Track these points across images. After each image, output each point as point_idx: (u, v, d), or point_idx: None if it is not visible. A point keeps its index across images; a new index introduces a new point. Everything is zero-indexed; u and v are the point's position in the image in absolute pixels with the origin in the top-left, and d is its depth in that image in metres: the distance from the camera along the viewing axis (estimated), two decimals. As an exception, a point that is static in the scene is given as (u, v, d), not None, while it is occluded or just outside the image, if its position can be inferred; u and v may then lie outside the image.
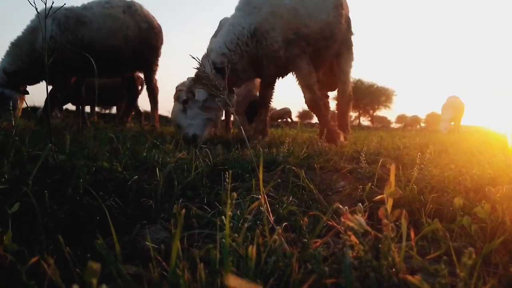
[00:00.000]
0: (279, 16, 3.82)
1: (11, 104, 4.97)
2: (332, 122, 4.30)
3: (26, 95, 5.40)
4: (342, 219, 0.67)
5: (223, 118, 5.77)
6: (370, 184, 1.56)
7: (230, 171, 0.92)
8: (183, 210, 0.67)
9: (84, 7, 5.28)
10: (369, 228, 0.69)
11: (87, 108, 12.50)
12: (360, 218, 0.65)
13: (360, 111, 44.16)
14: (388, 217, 0.66)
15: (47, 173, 1.56)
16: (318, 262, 0.64)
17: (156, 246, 0.90)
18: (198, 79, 3.86)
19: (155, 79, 5.97)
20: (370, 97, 42.18)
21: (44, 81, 5.44)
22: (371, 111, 44.57)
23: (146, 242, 0.98)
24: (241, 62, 3.89)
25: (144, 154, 2.15)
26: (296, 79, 4.07)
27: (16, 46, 5.04)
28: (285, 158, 2.45)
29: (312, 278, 0.60)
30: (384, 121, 53.18)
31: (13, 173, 1.48)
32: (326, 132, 3.99)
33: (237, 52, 3.84)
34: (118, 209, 1.31)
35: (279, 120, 21.66)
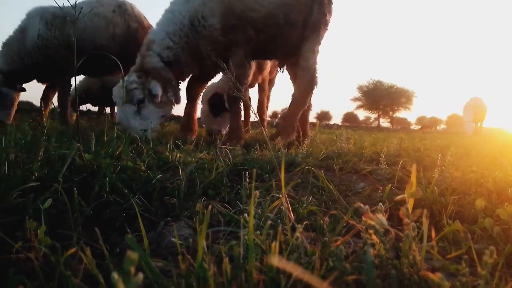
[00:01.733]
0: (219, 0, 3.50)
1: (9, 101, 5.21)
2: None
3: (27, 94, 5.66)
4: (363, 218, 0.68)
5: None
6: (390, 185, 1.56)
7: (254, 170, 0.94)
8: (209, 207, 0.70)
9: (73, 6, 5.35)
10: (389, 227, 0.70)
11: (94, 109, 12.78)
12: (381, 217, 0.67)
13: (379, 113, 43.67)
14: (409, 217, 0.67)
15: (74, 172, 1.62)
16: (340, 259, 0.66)
17: (181, 242, 0.93)
18: (148, 73, 3.55)
19: None
20: (389, 98, 41.65)
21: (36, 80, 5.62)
22: (390, 113, 44.00)
23: (172, 238, 1.02)
24: (183, 55, 3.63)
25: (167, 153, 2.20)
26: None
27: (7, 46, 5.24)
28: (304, 159, 2.46)
29: (334, 275, 0.62)
30: (403, 123, 52.49)
31: (42, 171, 1.54)
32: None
33: (180, 45, 3.58)
34: (142, 207, 1.35)
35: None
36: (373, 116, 46.56)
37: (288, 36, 3.83)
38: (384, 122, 44.57)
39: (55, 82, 5.68)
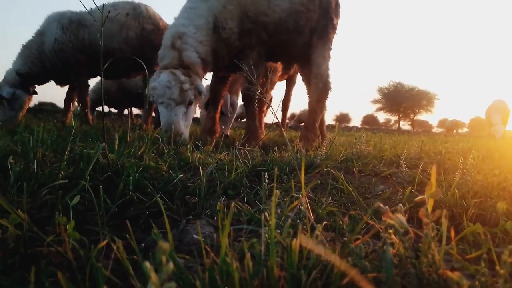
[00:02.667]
0: (236, 3, 3.48)
1: (19, 105, 5.45)
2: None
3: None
4: (383, 218, 0.69)
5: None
6: (410, 188, 1.56)
7: (276, 168, 0.96)
8: (233, 204, 0.72)
9: (91, 11, 5.51)
10: (409, 228, 0.71)
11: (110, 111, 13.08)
12: (401, 217, 0.68)
13: (400, 115, 43.08)
14: (428, 217, 0.68)
15: (99, 171, 1.68)
16: (360, 257, 0.67)
17: (204, 240, 0.96)
18: (190, 69, 3.36)
19: None
20: (410, 100, 41.06)
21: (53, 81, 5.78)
22: (411, 115, 43.33)
23: (194, 235, 1.05)
24: (209, 54, 3.54)
25: (188, 154, 2.24)
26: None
27: (27, 49, 5.47)
28: (323, 161, 2.46)
29: (354, 272, 0.63)
30: (425, 126, 51.64)
31: (68, 170, 1.60)
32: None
33: (207, 43, 3.48)
34: (164, 206, 1.39)
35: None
36: (394, 118, 46.00)
37: (296, 42, 3.87)
38: (405, 125, 43.96)
39: (74, 84, 5.86)
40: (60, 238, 0.93)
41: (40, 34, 5.46)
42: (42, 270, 0.79)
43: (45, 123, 4.29)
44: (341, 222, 1.02)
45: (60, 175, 1.50)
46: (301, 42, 3.92)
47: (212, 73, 4.08)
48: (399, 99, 40.91)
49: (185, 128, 3.31)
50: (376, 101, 44.31)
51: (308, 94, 4.15)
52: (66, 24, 5.33)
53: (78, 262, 0.88)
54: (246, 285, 0.64)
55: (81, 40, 5.35)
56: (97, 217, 1.14)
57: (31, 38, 5.51)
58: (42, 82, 5.77)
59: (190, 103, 3.32)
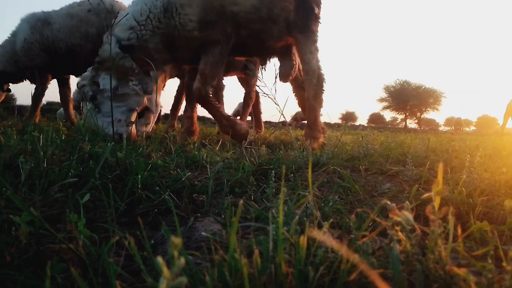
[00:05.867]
0: None
1: None
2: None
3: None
4: (390, 215, 0.70)
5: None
6: (417, 186, 1.55)
7: (284, 166, 0.97)
8: (241, 201, 0.73)
9: (60, 9, 5.69)
10: (416, 225, 0.72)
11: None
12: (408, 214, 0.68)
13: (407, 113, 42.87)
14: (435, 214, 0.69)
15: (107, 169, 1.70)
16: (367, 254, 0.68)
17: (213, 237, 0.97)
18: (102, 64, 3.30)
19: None
20: (417, 98, 40.85)
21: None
22: (418, 114, 43.09)
23: (202, 233, 1.06)
24: (152, 40, 3.29)
25: (195, 152, 2.26)
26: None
27: (2, 48, 5.67)
28: (329, 160, 2.46)
29: (364, 265, 0.64)
30: (432, 124, 51.42)
31: (78, 168, 1.62)
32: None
33: (147, 28, 3.26)
34: (172, 203, 1.41)
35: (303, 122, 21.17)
36: (400, 117, 45.82)
37: (271, 32, 3.65)
38: (412, 123, 43.74)
39: (61, 80, 6.05)
40: (71, 235, 0.95)
41: (14, 34, 5.64)
42: (54, 266, 0.81)
43: (54, 123, 4.34)
44: (347, 219, 1.03)
45: (70, 173, 1.52)
46: (277, 32, 3.70)
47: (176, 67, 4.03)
48: (406, 97, 40.75)
49: (104, 121, 3.28)
50: (382, 100, 44.18)
51: (304, 92, 3.93)
52: (33, 24, 5.45)
53: (89, 259, 0.90)
54: (254, 280, 0.66)
55: (46, 38, 5.45)
56: (106, 214, 1.16)
57: (7, 38, 5.70)
58: (16, 80, 5.99)
59: (92, 98, 3.32)
